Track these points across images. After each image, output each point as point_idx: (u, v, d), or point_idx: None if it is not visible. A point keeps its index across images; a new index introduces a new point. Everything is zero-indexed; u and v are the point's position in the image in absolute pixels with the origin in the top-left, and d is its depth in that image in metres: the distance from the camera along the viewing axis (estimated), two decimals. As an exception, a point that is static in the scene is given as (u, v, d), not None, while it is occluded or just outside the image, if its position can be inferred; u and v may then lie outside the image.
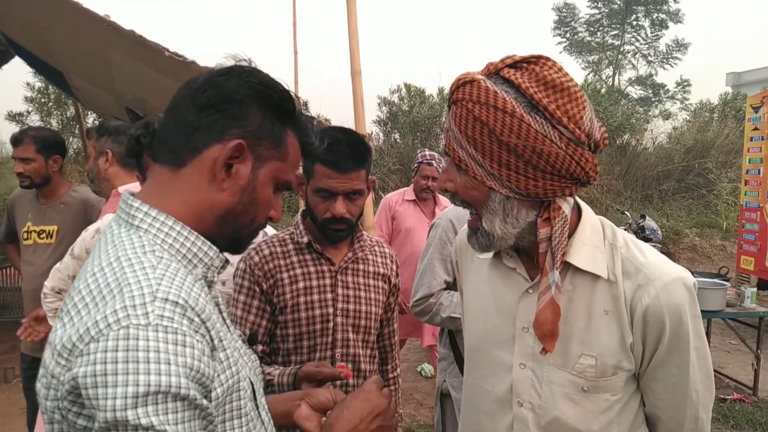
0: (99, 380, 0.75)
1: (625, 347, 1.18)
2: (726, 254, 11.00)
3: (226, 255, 1.03)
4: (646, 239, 6.02)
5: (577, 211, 1.24)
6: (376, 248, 1.94)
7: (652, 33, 24.86)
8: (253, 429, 0.96)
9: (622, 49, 25.16)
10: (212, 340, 0.87)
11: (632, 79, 25.55)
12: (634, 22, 24.87)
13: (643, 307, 1.15)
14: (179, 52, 3.26)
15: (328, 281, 1.78)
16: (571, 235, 1.20)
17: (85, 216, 3.05)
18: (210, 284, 0.99)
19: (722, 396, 4.95)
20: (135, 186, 2.28)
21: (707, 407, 1.24)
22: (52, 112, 14.12)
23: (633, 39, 25.32)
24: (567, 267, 1.19)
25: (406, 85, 15.29)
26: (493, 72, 1.11)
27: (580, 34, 25.69)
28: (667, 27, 24.51)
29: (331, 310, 1.77)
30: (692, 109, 18.77)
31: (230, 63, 1.01)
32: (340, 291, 1.79)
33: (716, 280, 5.19)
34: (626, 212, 8.75)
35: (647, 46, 25.25)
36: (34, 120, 14.32)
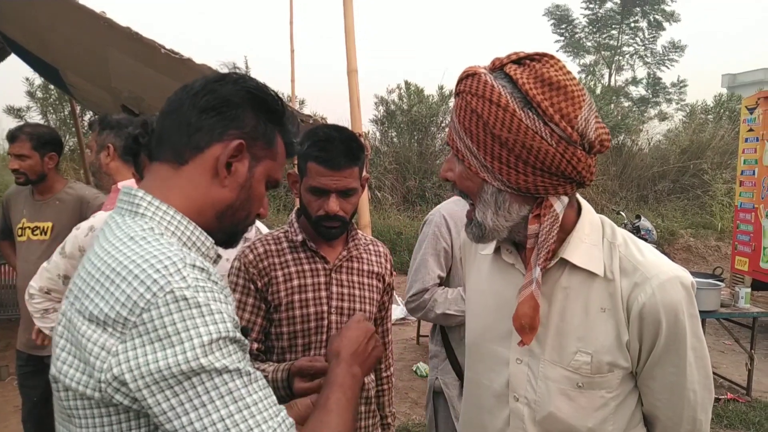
0: (165, 342, 0.84)
1: (621, 345, 1.18)
2: (720, 255, 11.05)
3: (221, 251, 1.09)
4: (642, 239, 6.04)
5: (577, 209, 1.24)
6: (371, 247, 1.94)
7: (649, 34, 24.92)
8: None
9: (619, 50, 25.21)
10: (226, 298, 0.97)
11: (629, 80, 25.60)
12: (632, 24, 24.91)
13: (639, 305, 1.15)
14: (175, 49, 3.26)
15: (322, 279, 1.78)
16: (569, 232, 1.21)
17: (80, 213, 3.04)
18: None
19: (716, 396, 4.95)
20: (132, 183, 2.27)
21: (706, 408, 1.24)
22: (56, 108, 14.07)
23: (630, 40, 25.37)
24: (564, 264, 1.20)
25: (406, 83, 15.27)
26: (498, 67, 1.13)
27: (578, 35, 25.73)
28: (663, 29, 24.57)
29: (325, 308, 1.77)
30: (688, 111, 18.83)
31: (225, 70, 1.09)
32: (334, 289, 1.79)
33: (711, 281, 5.22)
34: (621, 212, 8.77)
35: (644, 47, 25.31)
36: (34, 116, 14.27)
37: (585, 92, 1.11)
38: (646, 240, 6.14)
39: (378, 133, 15.34)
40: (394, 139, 15.18)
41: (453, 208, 2.53)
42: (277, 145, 1.10)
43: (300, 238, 1.78)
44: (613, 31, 25.18)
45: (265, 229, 2.62)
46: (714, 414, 4.63)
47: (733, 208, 8.84)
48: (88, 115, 12.64)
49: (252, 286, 1.74)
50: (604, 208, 13.20)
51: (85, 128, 11.04)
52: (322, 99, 29.62)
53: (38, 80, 13.66)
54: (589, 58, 25.77)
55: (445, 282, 2.52)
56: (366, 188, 1.89)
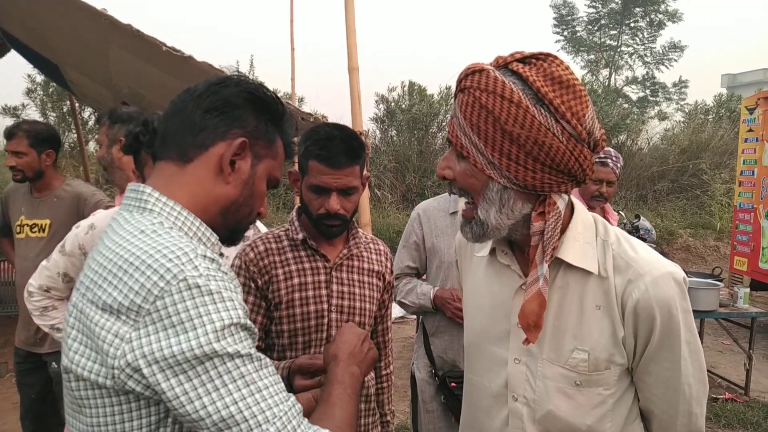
0: (179, 329, 0.86)
1: (617, 342, 1.19)
2: (719, 255, 11.05)
3: (222, 249, 1.12)
4: (641, 239, 6.03)
5: (570, 208, 1.25)
6: (371, 245, 1.94)
7: (649, 33, 24.93)
8: None
9: (619, 49, 25.21)
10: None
11: (629, 79, 25.61)
12: (633, 23, 24.91)
13: (633, 302, 1.16)
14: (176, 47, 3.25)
15: (322, 277, 1.79)
16: (563, 231, 1.21)
17: (77, 210, 3.03)
18: None
19: (714, 395, 4.98)
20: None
21: (701, 401, 1.24)
22: (55, 105, 14.04)
23: (630, 40, 25.38)
24: (559, 263, 1.21)
25: (411, 83, 15.25)
26: (502, 65, 1.14)
27: (579, 33, 25.73)
28: (665, 26, 24.57)
29: (325, 306, 1.77)
30: (687, 111, 18.84)
31: (228, 72, 1.13)
32: (334, 287, 1.79)
33: (709, 281, 5.22)
34: (621, 212, 8.75)
35: (643, 47, 25.32)
36: (31, 113, 14.23)
37: (586, 91, 1.14)
38: (645, 240, 6.14)
39: (378, 132, 15.32)
40: (394, 138, 15.16)
41: (430, 203, 2.71)
42: (277, 144, 1.13)
43: (300, 236, 1.78)
44: (613, 31, 25.19)
45: (264, 229, 2.62)
46: (712, 414, 4.64)
47: (732, 208, 8.85)
48: (88, 112, 12.62)
49: (252, 284, 1.74)
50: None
51: (90, 124, 11.03)
52: (323, 97, 29.63)
53: (39, 77, 13.63)
54: (588, 58, 25.78)
55: (427, 273, 2.71)
56: (366, 187, 1.89)
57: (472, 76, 1.14)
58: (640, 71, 25.69)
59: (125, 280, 0.89)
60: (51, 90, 13.78)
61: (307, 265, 1.78)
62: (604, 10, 24.88)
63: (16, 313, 3.19)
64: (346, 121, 3.24)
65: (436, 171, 1.25)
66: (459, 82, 1.17)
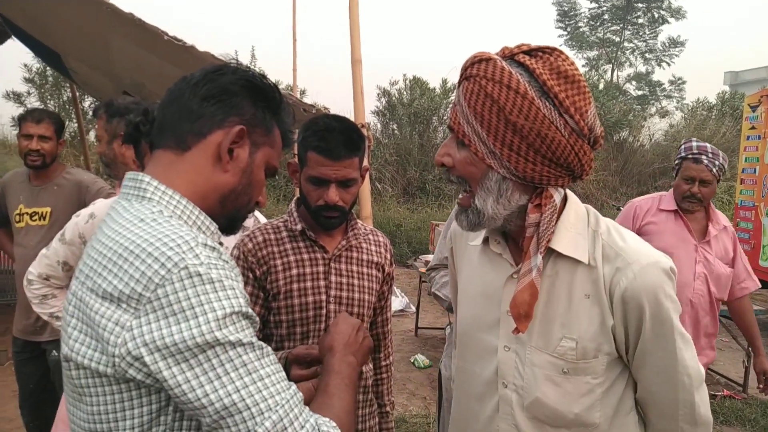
0: (180, 317, 0.85)
1: (606, 330, 1.20)
2: (720, 252, 11.02)
3: (221, 239, 1.11)
4: (641, 235, 6.02)
5: (564, 198, 1.26)
6: (370, 236, 1.94)
7: (650, 30, 24.86)
8: None
9: (621, 46, 25.14)
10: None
11: (630, 75, 25.56)
12: (635, 20, 24.84)
13: (621, 290, 1.17)
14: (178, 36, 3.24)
15: (321, 268, 1.78)
16: (555, 221, 1.22)
17: (78, 198, 3.03)
18: None
19: (712, 392, 4.99)
20: None
21: (701, 391, 1.24)
22: (53, 93, 14.03)
23: (632, 36, 25.31)
24: (550, 252, 1.22)
25: (414, 77, 15.22)
26: (508, 55, 1.14)
27: (581, 29, 25.66)
28: (668, 22, 24.50)
29: (324, 297, 1.77)
30: (689, 107, 18.80)
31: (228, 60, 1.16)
32: (333, 278, 1.79)
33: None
34: (621, 208, 8.76)
35: (645, 44, 25.25)
36: (33, 101, 14.21)
37: (589, 88, 1.15)
38: (645, 236, 6.14)
39: (379, 125, 15.32)
40: (396, 131, 15.14)
41: None
42: (275, 132, 1.13)
43: (299, 227, 1.78)
44: (615, 27, 25.11)
45: (263, 219, 2.62)
46: (710, 410, 4.65)
47: (733, 205, 8.84)
48: (89, 101, 12.60)
49: (250, 275, 1.74)
50: (605, 203, 13.20)
51: (89, 115, 11.01)
52: (325, 93, 29.63)
53: (36, 65, 13.61)
54: (591, 54, 25.73)
55: None
56: (367, 180, 1.89)
57: (478, 64, 1.14)
58: (641, 68, 25.65)
59: (126, 268, 0.88)
60: (49, 79, 13.76)
61: (305, 256, 1.78)
62: (605, 6, 24.80)
63: (15, 301, 3.18)
64: (349, 113, 3.23)
65: (435, 157, 1.25)
66: (465, 69, 1.17)
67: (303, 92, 14.24)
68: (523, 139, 1.11)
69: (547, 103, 1.09)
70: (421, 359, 5.55)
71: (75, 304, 0.94)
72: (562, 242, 1.21)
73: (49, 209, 3.07)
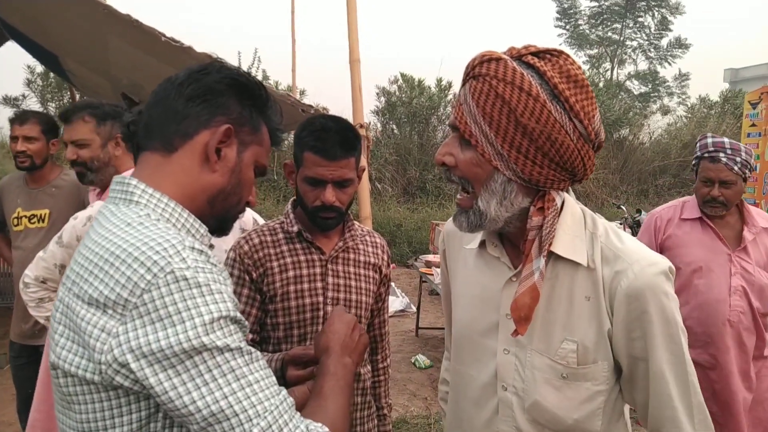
0: (167, 322, 0.84)
1: (603, 334, 1.18)
2: (721, 250, 11.01)
3: (218, 241, 1.11)
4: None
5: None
6: (367, 238, 1.93)
7: (654, 30, 24.87)
8: None
9: (623, 43, 25.14)
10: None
11: (631, 73, 25.55)
12: (637, 18, 24.84)
13: (622, 291, 1.16)
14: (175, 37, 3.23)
15: (318, 270, 1.77)
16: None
17: (77, 198, 3.02)
18: None
19: None
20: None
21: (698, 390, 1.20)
22: (54, 96, 14.04)
23: (633, 34, 25.31)
24: (549, 255, 1.20)
25: (402, 75, 15.21)
26: (516, 56, 1.13)
27: (582, 27, 25.66)
28: (671, 23, 24.52)
29: (321, 298, 1.76)
30: (690, 105, 18.81)
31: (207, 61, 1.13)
32: (330, 280, 1.78)
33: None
34: (622, 206, 8.76)
35: (648, 42, 25.25)
36: (31, 104, 14.23)
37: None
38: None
39: (379, 125, 15.31)
40: (395, 131, 15.14)
41: None
42: (263, 131, 1.12)
43: (296, 228, 1.77)
44: (617, 25, 25.11)
45: (261, 221, 2.61)
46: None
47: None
48: (88, 103, 12.59)
49: (247, 277, 1.73)
50: (605, 202, 13.18)
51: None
52: (325, 92, 29.64)
53: (39, 68, 13.63)
54: (591, 52, 25.73)
55: None
56: (366, 180, 1.88)
57: (488, 63, 1.12)
58: (642, 66, 25.65)
59: (111, 274, 0.87)
60: (50, 81, 13.77)
61: (302, 258, 1.77)
62: (605, 3, 24.80)
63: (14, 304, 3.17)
64: (347, 114, 3.22)
65: (435, 157, 1.23)
66: (472, 68, 1.15)
67: (303, 92, 14.24)
68: (533, 142, 1.10)
69: (558, 107, 1.09)
70: (422, 359, 5.54)
71: (62, 310, 0.93)
72: (561, 245, 1.20)
73: (47, 211, 3.06)
